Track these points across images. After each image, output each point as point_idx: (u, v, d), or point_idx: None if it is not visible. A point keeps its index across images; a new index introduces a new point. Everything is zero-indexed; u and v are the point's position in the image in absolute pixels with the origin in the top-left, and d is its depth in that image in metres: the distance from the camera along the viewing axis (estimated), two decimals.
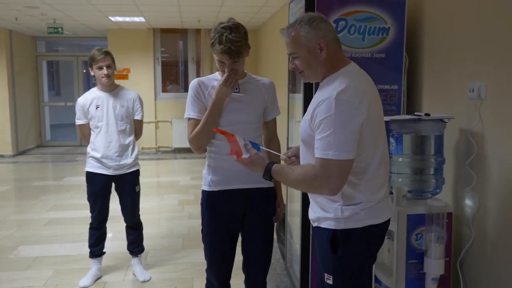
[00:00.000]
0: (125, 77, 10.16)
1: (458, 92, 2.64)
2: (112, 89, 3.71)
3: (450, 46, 2.76)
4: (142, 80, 10.34)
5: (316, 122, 1.75)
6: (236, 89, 2.40)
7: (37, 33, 10.70)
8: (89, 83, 14.73)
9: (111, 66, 3.60)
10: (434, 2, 2.96)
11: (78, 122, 3.70)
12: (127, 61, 10.27)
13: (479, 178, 2.46)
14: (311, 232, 3.09)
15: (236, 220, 2.49)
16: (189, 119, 2.42)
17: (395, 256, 2.46)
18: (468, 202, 2.55)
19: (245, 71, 2.49)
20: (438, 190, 2.60)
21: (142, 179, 3.88)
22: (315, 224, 1.96)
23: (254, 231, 2.53)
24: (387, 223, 1.93)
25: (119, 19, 8.71)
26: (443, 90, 2.82)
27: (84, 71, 12.09)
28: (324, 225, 1.89)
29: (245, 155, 2.01)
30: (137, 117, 3.79)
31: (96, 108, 3.63)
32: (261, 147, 2.15)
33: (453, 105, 2.70)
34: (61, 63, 15.75)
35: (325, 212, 1.88)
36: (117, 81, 3.77)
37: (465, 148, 2.58)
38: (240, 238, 2.57)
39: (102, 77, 3.57)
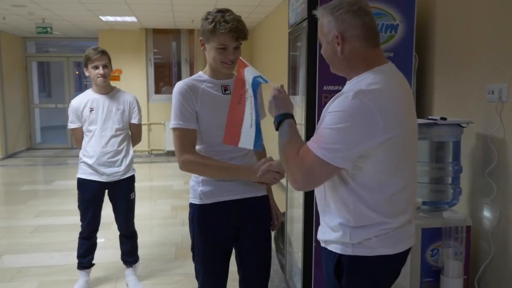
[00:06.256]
0: (116, 78, 9.94)
1: (475, 94, 2.45)
2: (108, 91, 3.47)
3: (464, 45, 2.58)
4: (134, 81, 10.12)
5: (325, 115, 1.52)
6: (226, 90, 2.19)
7: (26, 33, 10.47)
8: (80, 85, 14.47)
9: (107, 66, 3.38)
10: None
11: (71, 126, 3.49)
12: (119, 62, 9.95)
13: (499, 188, 2.28)
14: (313, 241, 2.89)
15: (230, 234, 2.28)
16: (176, 128, 2.11)
17: (408, 274, 2.26)
18: (488, 214, 2.36)
19: (233, 72, 2.26)
20: (455, 201, 2.41)
21: (134, 184, 3.68)
22: (322, 245, 1.73)
23: (251, 243, 2.32)
24: (404, 254, 1.64)
25: (110, 19, 8.50)
26: (457, 92, 2.63)
27: (77, 72, 11.83)
28: (330, 247, 1.66)
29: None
30: (134, 120, 3.55)
31: (90, 111, 3.40)
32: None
33: (469, 109, 2.51)
34: (52, 64, 15.48)
35: (333, 233, 1.64)
36: (112, 83, 3.55)
37: (484, 155, 2.39)
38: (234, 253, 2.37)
39: (98, 77, 3.34)
